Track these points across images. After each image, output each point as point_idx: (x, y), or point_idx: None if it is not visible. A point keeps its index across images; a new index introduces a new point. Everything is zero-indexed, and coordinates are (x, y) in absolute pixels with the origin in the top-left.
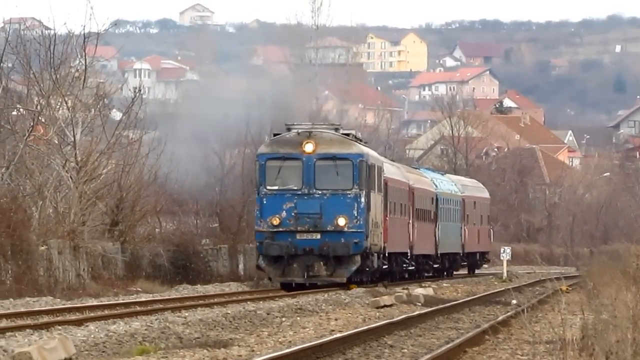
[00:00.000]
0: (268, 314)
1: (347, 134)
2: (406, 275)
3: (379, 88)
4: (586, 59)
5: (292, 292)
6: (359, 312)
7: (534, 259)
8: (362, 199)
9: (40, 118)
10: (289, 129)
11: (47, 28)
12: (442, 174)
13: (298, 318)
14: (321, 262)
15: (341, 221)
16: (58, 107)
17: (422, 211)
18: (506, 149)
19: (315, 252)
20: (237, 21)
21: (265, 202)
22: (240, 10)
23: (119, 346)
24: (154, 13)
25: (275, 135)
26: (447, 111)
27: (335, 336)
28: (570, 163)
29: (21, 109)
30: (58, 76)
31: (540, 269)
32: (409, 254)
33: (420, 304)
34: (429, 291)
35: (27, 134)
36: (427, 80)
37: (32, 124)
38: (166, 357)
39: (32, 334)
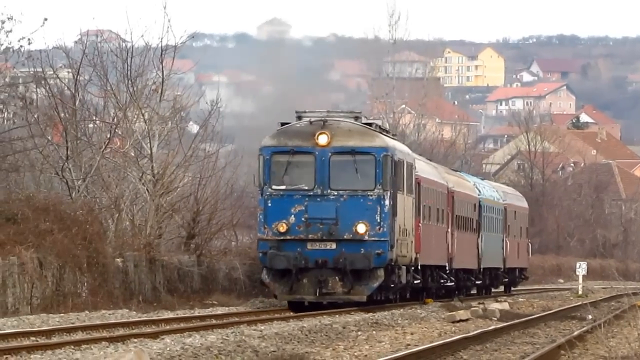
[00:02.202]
0: (344, 328)
1: (370, 124)
2: (443, 292)
3: (456, 102)
4: None
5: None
6: (434, 327)
7: (610, 273)
8: (387, 202)
9: (117, 130)
10: (299, 117)
11: (124, 40)
12: (482, 179)
13: (374, 332)
14: (336, 277)
15: (361, 228)
16: (135, 119)
17: (463, 219)
18: (582, 164)
19: (330, 265)
20: (314, 35)
21: (270, 204)
22: (318, 24)
23: (195, 359)
24: (231, 27)
25: (283, 125)
26: (524, 126)
27: (410, 350)
28: None
29: (98, 122)
30: (135, 89)
31: (616, 284)
32: (447, 268)
33: (496, 319)
34: (505, 306)
35: (103, 147)
36: (504, 95)
37: (108, 136)
38: None
39: (107, 347)
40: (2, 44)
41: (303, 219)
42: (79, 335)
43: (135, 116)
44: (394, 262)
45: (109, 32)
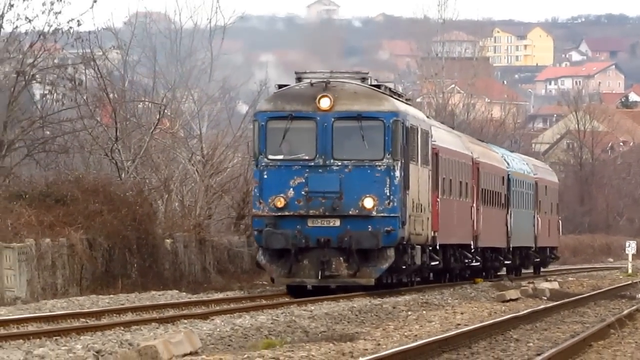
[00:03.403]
0: (394, 308)
1: (378, 86)
2: (468, 273)
3: (505, 82)
4: None
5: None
6: (484, 306)
7: None
8: (397, 173)
9: (166, 111)
10: (299, 79)
11: (173, 22)
12: (512, 151)
13: (424, 312)
14: (341, 258)
15: (368, 202)
16: (184, 100)
17: (490, 193)
18: (632, 143)
19: (333, 244)
20: (363, 15)
21: (266, 176)
22: (367, 4)
23: (245, 340)
24: (280, 7)
25: (280, 87)
26: (573, 105)
27: (461, 330)
28: None
29: (147, 102)
30: (184, 69)
31: None
32: (472, 247)
33: (545, 298)
34: (555, 285)
35: (153, 127)
36: (553, 74)
37: (158, 117)
38: (292, 350)
39: (157, 328)
40: (52, 26)
41: (303, 192)
42: (129, 317)
43: (185, 97)
44: (406, 240)
45: (158, 14)
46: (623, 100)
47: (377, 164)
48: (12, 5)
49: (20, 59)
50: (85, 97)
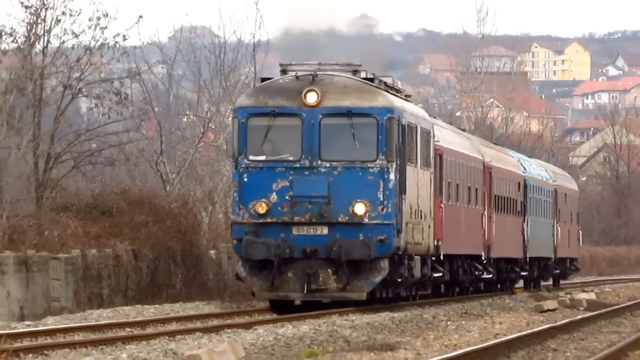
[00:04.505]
0: (434, 318)
1: (372, 79)
2: (481, 286)
3: (542, 96)
4: None
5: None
6: (522, 316)
7: None
8: (392, 176)
9: (210, 124)
10: (284, 72)
11: (217, 36)
12: (530, 156)
13: (463, 322)
14: (329, 270)
15: (359, 208)
16: (228, 113)
17: (504, 199)
18: None
19: (321, 254)
20: (403, 30)
21: (246, 179)
22: (407, 19)
23: (287, 349)
24: (323, 22)
25: (263, 80)
26: (610, 119)
27: (499, 340)
28: None
29: (191, 116)
30: (228, 83)
31: None
32: (483, 257)
33: (583, 308)
34: (592, 295)
35: (197, 140)
36: (590, 89)
37: (202, 130)
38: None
39: (201, 337)
40: (98, 40)
41: (287, 197)
42: (173, 326)
43: (228, 110)
44: (402, 250)
45: (202, 28)
46: None
47: (369, 165)
48: (59, 20)
49: (67, 73)
50: (131, 111)
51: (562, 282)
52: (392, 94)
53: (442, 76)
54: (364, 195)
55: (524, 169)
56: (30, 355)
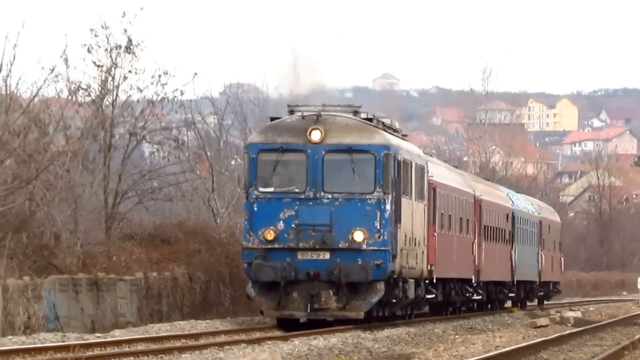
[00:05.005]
0: (443, 332)
1: (370, 119)
2: (473, 306)
3: (537, 144)
4: None
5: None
6: (519, 331)
7: None
8: (388, 206)
9: None
10: (291, 112)
11: (261, 92)
12: (517, 191)
13: (469, 335)
14: (330, 291)
15: (358, 236)
16: None
17: (493, 229)
18: None
19: (323, 277)
20: (419, 87)
21: (256, 209)
22: (422, 78)
23: (319, 358)
24: (350, 80)
25: (273, 119)
26: (594, 164)
27: (499, 351)
28: None
29: (238, 159)
30: None
31: None
32: (473, 281)
33: (570, 325)
34: (578, 314)
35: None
36: (578, 138)
37: None
38: None
39: (246, 348)
40: (159, 95)
41: (293, 225)
42: (222, 338)
43: None
44: (397, 274)
45: (249, 85)
46: (636, 160)
47: (367, 197)
48: (126, 78)
49: (133, 122)
50: (186, 155)
51: (546, 302)
52: (389, 132)
53: (451, 127)
54: (363, 223)
55: (513, 202)
56: None
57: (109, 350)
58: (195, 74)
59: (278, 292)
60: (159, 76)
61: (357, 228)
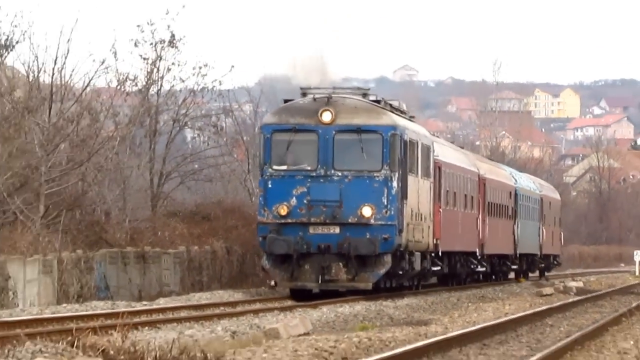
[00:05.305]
0: (458, 300)
1: (378, 101)
2: (478, 277)
3: (543, 130)
4: None
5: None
6: (526, 300)
7: None
8: (394, 184)
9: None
10: (304, 94)
11: (291, 83)
12: (521, 171)
13: (481, 303)
14: (340, 264)
15: (366, 211)
16: None
17: (496, 206)
18: (639, 177)
19: (333, 250)
20: (435, 78)
21: (270, 186)
22: (439, 69)
23: (345, 324)
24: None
25: (286, 101)
26: (595, 148)
27: (508, 317)
28: None
29: None
30: None
31: None
32: (478, 254)
33: (573, 293)
34: (580, 284)
35: None
36: (580, 124)
37: None
38: (381, 332)
39: (279, 314)
40: (200, 85)
41: (305, 201)
42: (257, 306)
43: None
44: (403, 247)
45: (282, 76)
46: (633, 144)
47: (375, 174)
48: (169, 69)
49: (176, 110)
50: (225, 140)
51: (547, 273)
52: (396, 114)
53: (465, 114)
54: (370, 200)
55: (515, 180)
56: (146, 328)
57: (155, 316)
58: (233, 66)
59: (291, 265)
60: (200, 68)
61: (366, 204)
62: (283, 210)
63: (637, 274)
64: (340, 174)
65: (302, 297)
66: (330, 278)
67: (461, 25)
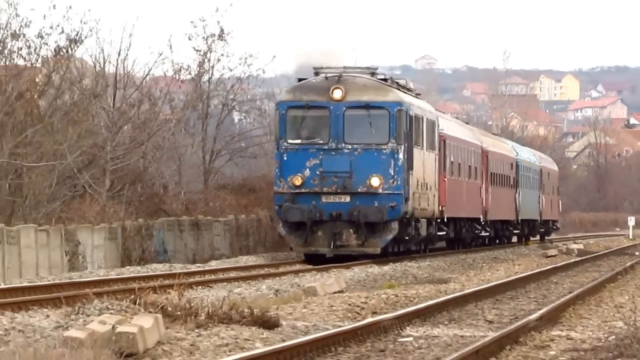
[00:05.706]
0: (473, 261)
1: (385, 79)
2: (482, 241)
3: (547, 111)
4: None
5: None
6: (534, 260)
7: None
8: (401, 156)
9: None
10: (317, 73)
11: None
12: (522, 145)
13: (494, 264)
14: (351, 230)
15: (375, 181)
16: None
17: (498, 176)
18: (632, 152)
19: (344, 217)
20: (452, 66)
21: (285, 158)
22: (455, 58)
23: (374, 282)
24: (397, 60)
25: (300, 80)
26: (593, 126)
27: (518, 276)
28: None
29: None
30: None
31: None
32: (482, 220)
33: (575, 255)
34: (580, 246)
35: None
36: (579, 106)
37: None
38: (406, 289)
39: (316, 274)
40: (246, 73)
41: (318, 172)
42: (297, 267)
43: None
44: (409, 214)
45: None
46: (626, 123)
47: (382, 147)
48: (219, 60)
49: (225, 95)
50: (268, 121)
51: (547, 237)
52: (402, 91)
53: (479, 97)
54: (378, 171)
55: (517, 153)
56: (200, 287)
57: (207, 277)
58: (274, 56)
59: (305, 231)
60: (245, 58)
61: (374, 175)
62: (297, 181)
63: (630, 237)
64: (350, 147)
65: (316, 261)
66: (341, 243)
67: (475, 19)
